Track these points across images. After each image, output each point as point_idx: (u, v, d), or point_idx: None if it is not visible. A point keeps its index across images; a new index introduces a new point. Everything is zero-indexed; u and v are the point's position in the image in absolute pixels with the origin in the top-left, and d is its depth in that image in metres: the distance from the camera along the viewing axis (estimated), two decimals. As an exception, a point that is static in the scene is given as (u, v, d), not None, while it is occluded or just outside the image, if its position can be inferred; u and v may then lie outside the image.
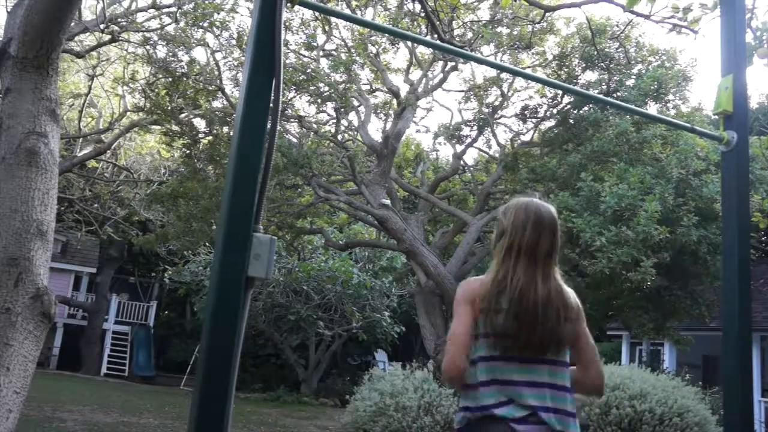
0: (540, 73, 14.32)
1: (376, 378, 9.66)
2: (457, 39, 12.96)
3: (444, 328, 13.30)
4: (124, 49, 15.52)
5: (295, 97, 13.22)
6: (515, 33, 14.29)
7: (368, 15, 13.89)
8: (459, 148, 16.36)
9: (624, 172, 10.82)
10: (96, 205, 20.52)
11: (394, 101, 15.14)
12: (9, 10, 3.47)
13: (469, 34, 14.15)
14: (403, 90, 15.09)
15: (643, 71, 13.48)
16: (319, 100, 13.37)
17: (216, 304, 1.57)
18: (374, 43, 14.46)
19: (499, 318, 2.00)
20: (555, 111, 14.87)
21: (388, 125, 15.26)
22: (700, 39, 8.81)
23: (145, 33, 14.28)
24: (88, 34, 13.97)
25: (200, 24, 12.59)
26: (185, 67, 13.12)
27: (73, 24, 10.10)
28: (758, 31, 4.75)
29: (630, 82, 13.33)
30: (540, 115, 15.61)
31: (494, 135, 16.03)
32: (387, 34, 14.17)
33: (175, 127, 13.73)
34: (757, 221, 7.13)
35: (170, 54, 13.36)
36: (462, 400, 2.09)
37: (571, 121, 13.87)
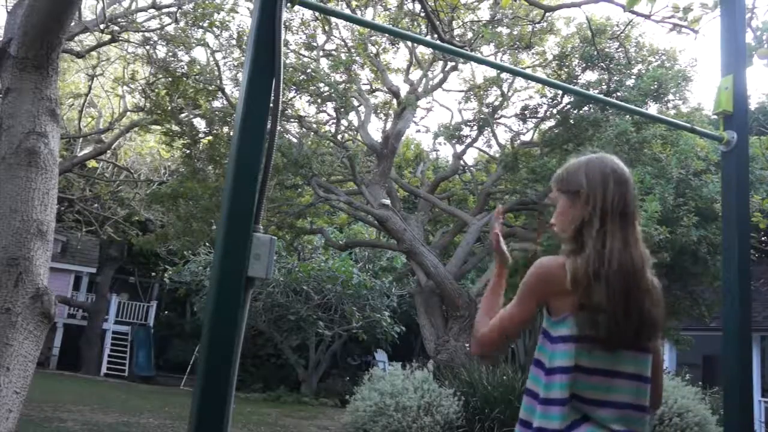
0: (540, 73, 14.32)
1: (376, 378, 9.64)
2: (457, 39, 12.96)
3: (444, 328, 13.30)
4: (124, 49, 15.52)
5: (295, 97, 13.22)
6: (515, 33, 14.29)
7: (368, 15, 13.89)
8: (459, 148, 16.36)
9: (624, 172, 10.81)
10: (96, 205, 20.52)
11: (394, 101, 15.14)
12: (9, 10, 3.47)
13: (469, 34, 14.15)
14: (403, 90, 15.09)
15: (643, 71, 13.49)
16: (319, 100, 13.37)
17: (216, 304, 1.57)
18: (374, 43, 14.47)
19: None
20: (555, 111, 14.87)
21: (388, 125, 15.26)
22: (700, 39, 8.81)
23: (145, 33, 14.28)
24: (88, 34, 13.96)
25: (200, 24, 12.60)
26: (185, 67, 13.12)
27: (73, 24, 10.10)
28: (758, 31, 4.75)
29: (630, 82, 13.32)
30: (540, 115, 15.61)
31: (494, 135, 16.03)
32: (387, 34, 14.16)
33: (175, 127, 13.73)
34: (757, 221, 7.13)
35: (170, 54, 13.37)
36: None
37: (571, 121, 13.87)
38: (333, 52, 14.73)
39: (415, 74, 15.74)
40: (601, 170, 1.80)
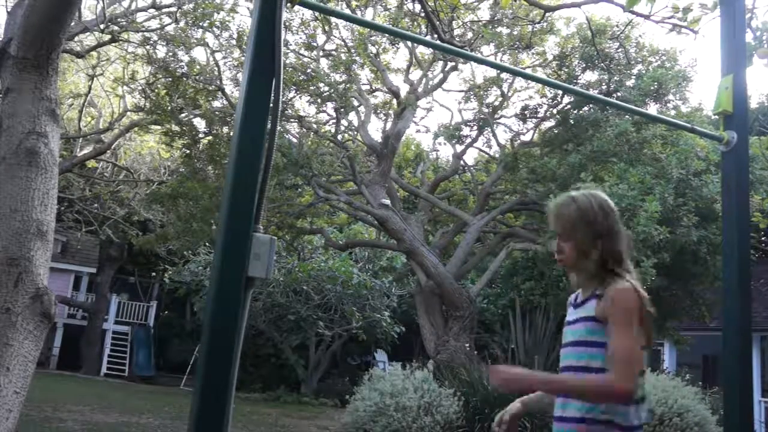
0: (540, 73, 14.32)
1: (376, 378, 9.64)
2: (457, 39, 12.96)
3: (444, 328, 13.30)
4: (124, 49, 15.51)
5: (295, 97, 13.22)
6: (515, 33, 14.29)
7: (368, 15, 13.89)
8: (459, 148, 16.36)
9: (624, 172, 10.82)
10: (96, 205, 20.51)
11: (394, 101, 15.14)
12: (9, 10, 3.47)
13: (469, 34, 14.16)
14: (403, 90, 15.09)
15: (643, 71, 13.49)
16: (319, 100, 13.37)
17: (216, 304, 1.57)
18: (374, 43, 14.46)
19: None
20: (555, 111, 14.87)
21: (388, 125, 15.27)
22: (700, 39, 8.81)
23: (145, 33, 14.27)
24: (88, 34, 13.96)
25: (200, 24, 12.59)
26: (185, 67, 13.11)
27: (73, 24, 10.10)
28: (758, 31, 4.76)
29: (630, 83, 13.32)
30: (540, 115, 15.62)
31: (494, 135, 16.03)
32: (387, 34, 14.16)
33: (175, 127, 13.73)
34: (757, 221, 7.14)
35: (170, 54, 13.36)
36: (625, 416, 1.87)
37: (571, 121, 13.87)
38: (333, 52, 14.73)
39: (415, 74, 15.75)
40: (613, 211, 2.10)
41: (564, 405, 1.92)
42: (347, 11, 12.29)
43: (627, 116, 11.87)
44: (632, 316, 1.83)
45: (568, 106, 14.27)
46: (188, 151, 14.09)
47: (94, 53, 15.51)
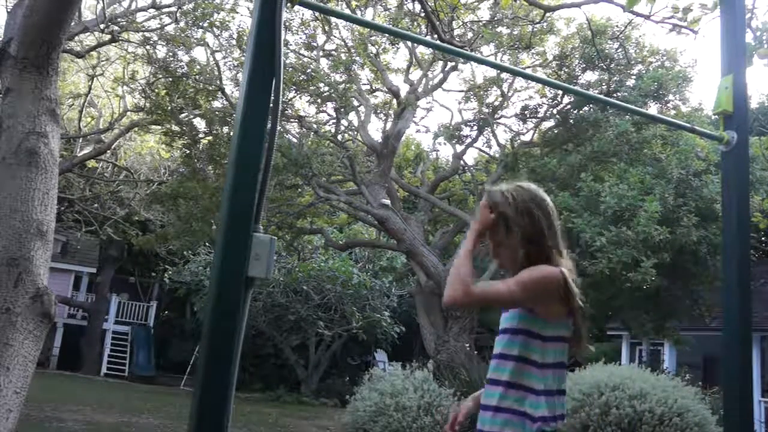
0: (540, 73, 14.32)
1: (376, 378, 9.64)
2: (457, 39, 12.96)
3: (444, 328, 13.30)
4: (124, 49, 15.52)
5: (295, 97, 13.22)
6: (515, 33, 14.29)
7: (368, 15, 13.89)
8: (459, 148, 16.36)
9: (624, 172, 10.83)
10: (96, 205, 20.51)
11: (394, 101, 15.14)
12: (9, 10, 3.47)
13: (469, 34, 14.15)
14: (403, 90, 15.09)
15: (644, 72, 13.49)
16: (319, 100, 13.38)
17: (216, 304, 1.57)
18: (374, 43, 14.46)
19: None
20: (555, 111, 14.87)
21: (388, 125, 15.26)
22: (700, 39, 8.82)
23: (145, 33, 14.28)
24: (88, 34, 13.96)
25: (200, 24, 12.60)
26: (185, 67, 13.12)
27: (73, 24, 10.10)
28: (758, 31, 4.76)
29: (630, 83, 13.33)
30: (540, 115, 15.61)
31: (494, 135, 16.03)
32: (387, 34, 14.16)
33: (175, 127, 13.74)
34: (757, 221, 7.14)
35: (170, 54, 13.36)
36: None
37: (571, 121, 13.87)
38: (333, 52, 14.73)
39: (415, 74, 15.75)
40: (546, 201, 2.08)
41: (487, 394, 1.95)
42: (347, 11, 12.29)
43: (627, 116, 11.87)
44: (533, 283, 1.85)
45: (568, 106, 14.28)
46: (188, 151, 14.10)
47: (94, 53, 15.51)
